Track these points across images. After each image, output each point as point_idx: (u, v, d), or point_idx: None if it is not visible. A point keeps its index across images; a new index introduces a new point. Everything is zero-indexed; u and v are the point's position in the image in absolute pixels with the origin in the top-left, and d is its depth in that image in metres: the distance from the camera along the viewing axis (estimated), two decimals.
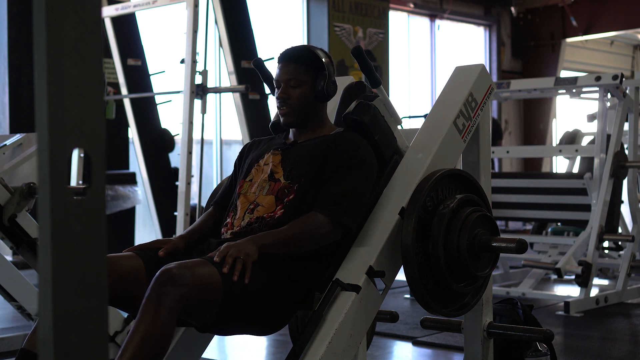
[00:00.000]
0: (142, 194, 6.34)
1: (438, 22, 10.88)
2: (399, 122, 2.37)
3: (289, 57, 2.17)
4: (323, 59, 2.16)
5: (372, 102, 2.28)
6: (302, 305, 2.02)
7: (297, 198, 2.06)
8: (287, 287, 1.97)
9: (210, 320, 1.84)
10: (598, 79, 4.51)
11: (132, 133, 6.04)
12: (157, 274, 1.73)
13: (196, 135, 4.71)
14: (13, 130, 6.01)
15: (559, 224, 5.75)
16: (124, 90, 5.99)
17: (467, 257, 2.05)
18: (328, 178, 2.07)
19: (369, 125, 2.21)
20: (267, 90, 6.00)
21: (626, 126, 4.87)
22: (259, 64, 2.42)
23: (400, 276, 2.09)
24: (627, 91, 4.68)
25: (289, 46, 2.22)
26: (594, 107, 6.47)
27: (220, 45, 5.82)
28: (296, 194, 2.07)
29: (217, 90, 4.89)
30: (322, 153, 2.11)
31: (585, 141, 6.40)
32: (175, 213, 4.65)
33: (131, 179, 6.39)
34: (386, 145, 2.22)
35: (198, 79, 4.69)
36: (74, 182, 4.80)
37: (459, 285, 2.09)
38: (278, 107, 2.20)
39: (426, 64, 10.85)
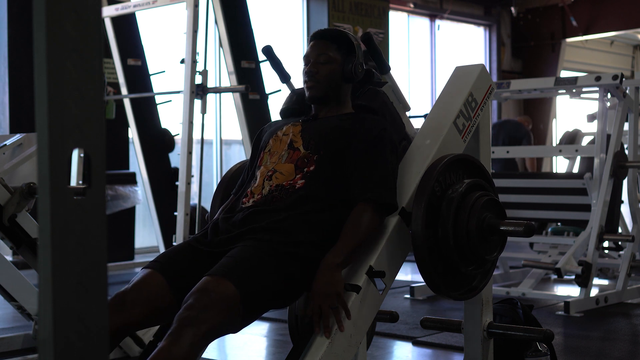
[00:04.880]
0: (142, 194, 6.33)
1: (438, 22, 10.87)
2: (407, 108, 2.38)
3: (322, 36, 2.25)
4: (354, 42, 2.22)
5: (381, 88, 2.29)
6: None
7: (317, 170, 2.08)
8: (300, 280, 1.99)
9: (235, 330, 1.89)
10: (598, 79, 4.51)
11: (132, 133, 6.03)
12: (178, 314, 1.76)
13: (196, 135, 4.71)
14: (13, 130, 6.00)
15: (559, 224, 5.75)
16: (124, 90, 5.98)
17: (476, 240, 2.07)
18: (360, 159, 2.08)
19: (378, 111, 2.22)
20: (267, 90, 6.00)
21: (626, 126, 4.87)
22: (269, 51, 2.43)
23: (400, 276, 2.10)
24: (627, 91, 4.68)
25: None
26: (594, 107, 6.48)
27: (220, 45, 5.81)
28: (316, 166, 2.09)
29: (217, 90, 4.88)
30: (349, 127, 2.13)
31: (585, 141, 6.40)
32: (175, 213, 4.65)
33: (131, 179, 6.38)
34: (395, 132, 2.23)
35: (198, 79, 4.69)
36: (74, 182, 4.80)
37: (468, 269, 2.10)
38: (305, 82, 2.23)
39: (426, 64, 10.84)
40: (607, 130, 4.67)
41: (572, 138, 6.56)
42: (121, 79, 5.99)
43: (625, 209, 5.18)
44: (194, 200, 5.01)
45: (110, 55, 6.05)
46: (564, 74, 11.63)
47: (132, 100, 5.92)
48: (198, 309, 1.75)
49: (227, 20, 5.69)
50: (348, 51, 2.23)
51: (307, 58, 2.23)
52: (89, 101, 0.94)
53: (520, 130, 7.42)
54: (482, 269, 2.17)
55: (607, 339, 3.76)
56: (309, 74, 2.21)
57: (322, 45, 2.22)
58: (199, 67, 4.72)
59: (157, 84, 6.19)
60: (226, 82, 6.15)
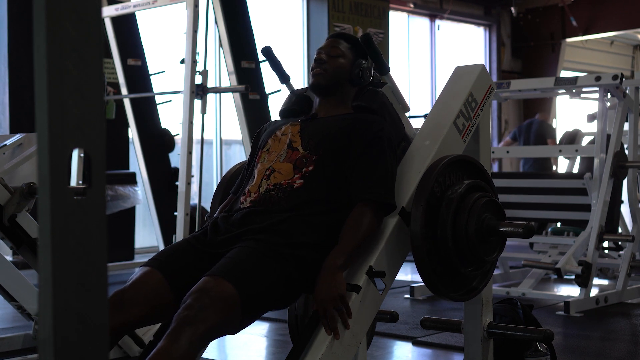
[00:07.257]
0: (142, 194, 6.33)
1: (438, 22, 10.87)
2: (407, 109, 2.39)
3: (339, 35, 2.32)
4: (367, 50, 2.27)
5: (381, 89, 2.30)
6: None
7: (316, 170, 2.08)
8: (299, 281, 1.99)
9: (233, 331, 1.89)
10: (598, 79, 4.51)
11: (132, 133, 6.03)
12: (176, 313, 1.75)
13: (196, 135, 4.71)
14: (13, 130, 6.00)
15: (559, 224, 5.75)
16: (124, 90, 5.98)
17: (476, 241, 2.07)
18: (359, 160, 2.09)
19: (378, 112, 2.23)
20: (267, 90, 6.00)
21: (626, 126, 4.87)
22: (269, 51, 2.44)
23: (400, 276, 2.10)
24: (627, 91, 4.68)
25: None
26: (594, 107, 6.48)
27: (220, 45, 5.81)
28: (315, 166, 2.09)
29: (217, 90, 4.88)
30: (348, 127, 2.13)
31: (585, 141, 6.40)
32: (175, 213, 4.65)
33: (131, 179, 6.38)
34: (394, 132, 2.24)
35: (198, 79, 4.69)
36: (74, 182, 4.79)
37: (467, 270, 2.10)
38: (312, 69, 2.25)
39: (426, 64, 10.84)
40: (607, 130, 4.67)
41: (572, 138, 6.56)
42: (121, 79, 5.99)
43: (625, 209, 5.18)
44: (194, 200, 5.01)
45: (110, 55, 6.05)
46: (564, 74, 11.62)
47: (132, 100, 5.92)
48: (196, 309, 1.75)
49: (227, 20, 5.69)
50: (360, 56, 2.28)
51: (319, 50, 2.28)
52: (89, 101, 0.94)
53: (543, 125, 8.34)
54: (482, 269, 2.17)
55: (607, 339, 3.76)
56: (318, 61, 2.24)
57: (337, 42, 2.28)
58: (199, 67, 4.72)
59: (157, 84, 6.19)
60: (226, 82, 6.15)
